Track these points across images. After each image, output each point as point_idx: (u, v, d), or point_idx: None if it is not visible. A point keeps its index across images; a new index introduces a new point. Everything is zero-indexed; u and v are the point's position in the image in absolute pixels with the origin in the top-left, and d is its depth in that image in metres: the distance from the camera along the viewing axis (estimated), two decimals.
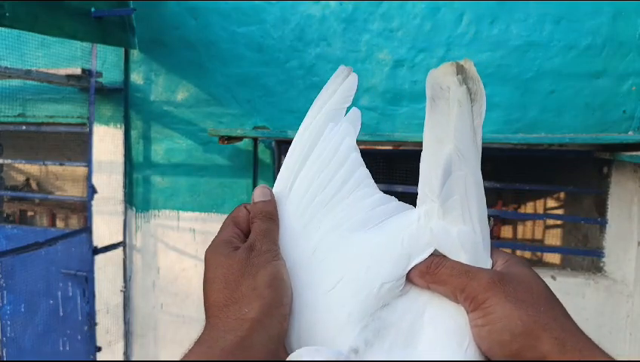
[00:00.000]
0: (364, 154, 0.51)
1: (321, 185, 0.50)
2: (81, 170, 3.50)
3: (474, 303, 0.39)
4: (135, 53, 2.92)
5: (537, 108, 2.41)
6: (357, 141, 0.52)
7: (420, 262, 0.43)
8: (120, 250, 3.04)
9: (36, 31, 2.27)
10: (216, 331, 0.38)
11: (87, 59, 2.79)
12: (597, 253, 2.43)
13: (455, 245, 0.43)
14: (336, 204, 0.49)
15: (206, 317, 0.41)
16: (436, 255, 0.44)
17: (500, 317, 0.38)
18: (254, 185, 2.78)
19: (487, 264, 0.43)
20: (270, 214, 0.48)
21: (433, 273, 0.42)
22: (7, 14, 2.02)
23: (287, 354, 0.42)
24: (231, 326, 0.38)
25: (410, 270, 0.43)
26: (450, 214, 0.44)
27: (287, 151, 0.53)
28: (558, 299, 0.40)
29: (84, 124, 2.88)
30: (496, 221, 3.75)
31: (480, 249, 0.44)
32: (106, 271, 3.02)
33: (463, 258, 0.43)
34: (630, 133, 2.30)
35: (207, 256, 0.45)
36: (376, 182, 0.51)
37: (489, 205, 0.47)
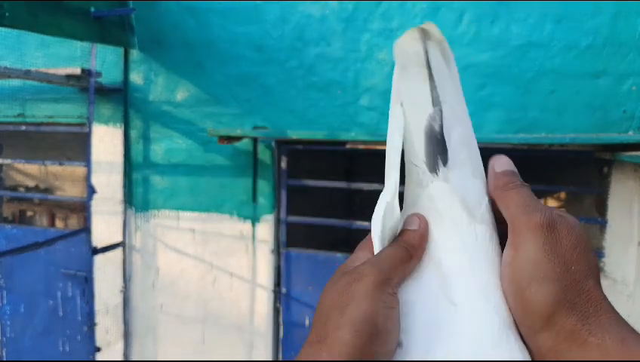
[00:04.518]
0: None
1: None
2: (80, 170, 3.49)
3: (513, 236, 0.39)
4: (134, 53, 2.91)
5: (538, 108, 2.40)
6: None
7: (500, 173, 0.44)
8: (119, 250, 3.03)
9: (36, 31, 2.27)
10: None
11: (87, 59, 2.79)
12: (597, 253, 2.42)
13: (476, 197, 0.44)
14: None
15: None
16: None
17: (528, 261, 0.36)
18: (254, 185, 2.77)
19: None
20: (410, 245, 0.41)
21: (502, 192, 0.42)
22: (7, 14, 2.01)
23: None
24: None
25: (489, 181, 0.44)
26: (461, 170, 0.45)
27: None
28: (597, 268, 0.38)
29: (83, 124, 2.87)
30: None
31: (485, 205, 0.44)
32: (106, 272, 3.01)
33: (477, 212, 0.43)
34: (630, 133, 2.30)
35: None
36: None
37: None
